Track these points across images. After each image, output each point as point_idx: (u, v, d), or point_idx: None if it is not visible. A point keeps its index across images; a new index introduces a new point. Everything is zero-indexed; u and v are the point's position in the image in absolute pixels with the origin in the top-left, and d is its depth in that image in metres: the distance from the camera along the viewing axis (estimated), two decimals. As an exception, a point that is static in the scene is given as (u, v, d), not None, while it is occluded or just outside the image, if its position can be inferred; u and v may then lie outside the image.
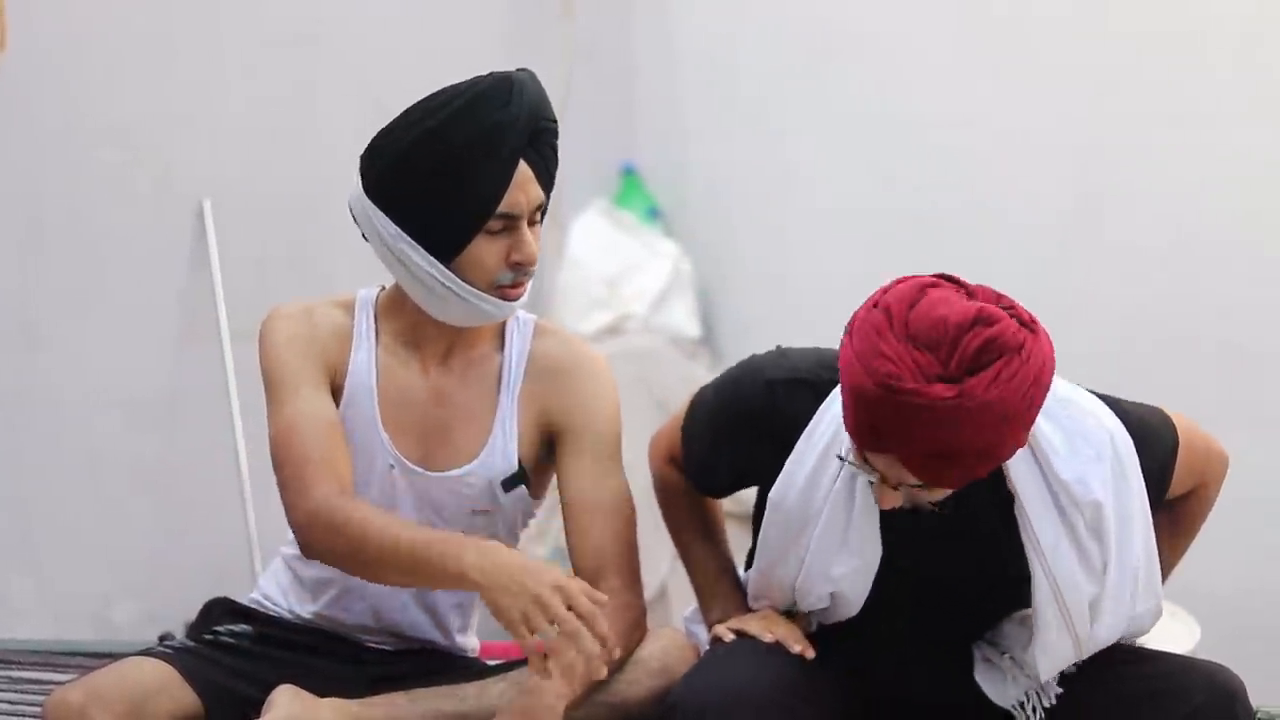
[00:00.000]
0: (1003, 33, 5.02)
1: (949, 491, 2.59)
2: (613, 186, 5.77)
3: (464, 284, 2.72)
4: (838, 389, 2.64)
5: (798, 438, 2.73)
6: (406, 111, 2.74)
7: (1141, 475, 2.71)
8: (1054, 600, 2.69)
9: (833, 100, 5.41)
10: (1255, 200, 4.60)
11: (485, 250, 2.71)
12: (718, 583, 2.95)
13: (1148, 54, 4.75)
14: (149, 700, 2.67)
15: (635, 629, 2.79)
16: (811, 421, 2.73)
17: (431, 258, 2.71)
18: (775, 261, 5.52)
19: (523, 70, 2.76)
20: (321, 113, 5.01)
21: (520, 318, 2.89)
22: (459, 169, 2.67)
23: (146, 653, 2.78)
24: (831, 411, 2.71)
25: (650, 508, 2.98)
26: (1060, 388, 2.67)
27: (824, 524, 2.71)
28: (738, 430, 2.78)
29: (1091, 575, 2.69)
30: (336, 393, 2.80)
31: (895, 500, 2.59)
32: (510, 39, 5.54)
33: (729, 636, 2.80)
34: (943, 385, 2.44)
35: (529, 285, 2.78)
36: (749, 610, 2.89)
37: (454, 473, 2.83)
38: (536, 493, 2.90)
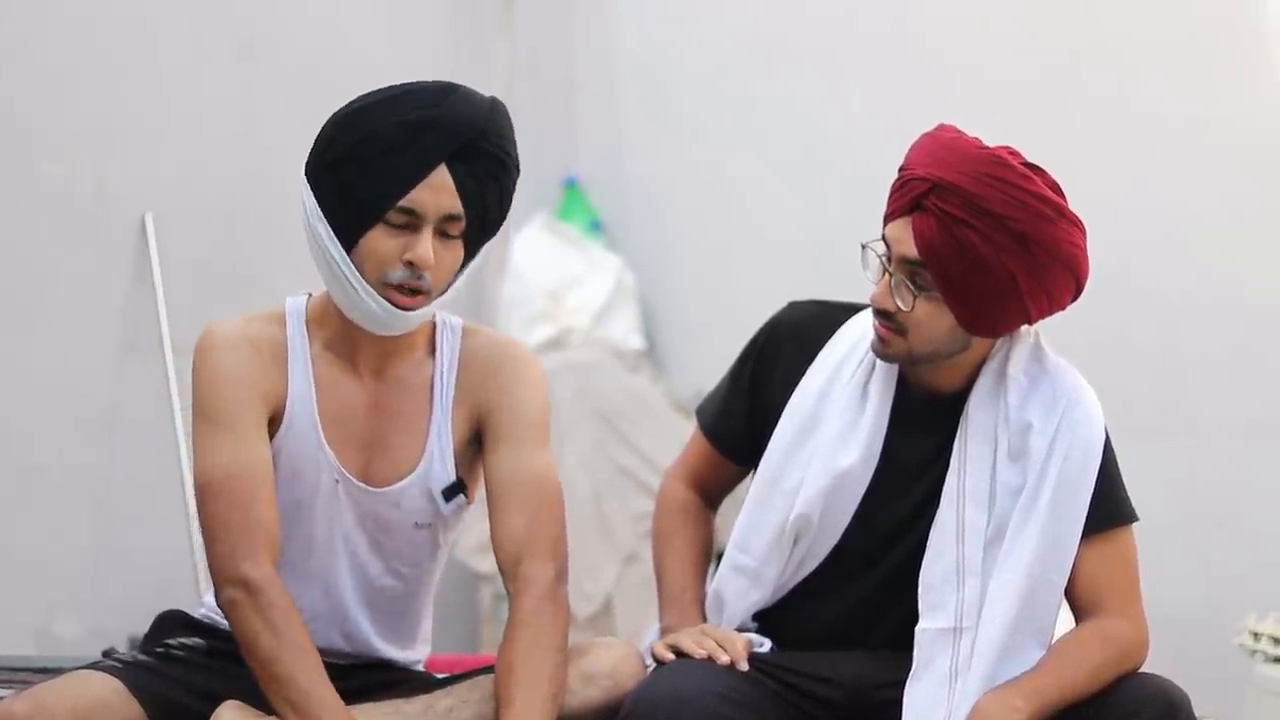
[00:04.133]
0: (940, 47, 5.05)
1: (933, 293, 2.74)
2: (555, 199, 5.77)
3: (356, 274, 2.71)
4: (861, 313, 2.88)
5: (811, 360, 2.91)
6: (357, 98, 2.78)
7: (1092, 449, 2.80)
8: (955, 513, 2.79)
9: (772, 114, 5.43)
10: (1190, 212, 4.63)
11: (382, 242, 2.70)
12: (683, 593, 2.98)
13: (1087, 68, 4.79)
14: (95, 713, 2.65)
15: (561, 624, 2.77)
16: (834, 336, 2.92)
17: (335, 239, 2.72)
18: (717, 273, 5.54)
19: (491, 96, 2.78)
20: (262, 124, 5.00)
21: (450, 323, 2.88)
22: (371, 152, 2.69)
23: (94, 666, 2.76)
24: (852, 327, 2.91)
25: (594, 520, 2.99)
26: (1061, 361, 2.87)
27: (835, 419, 2.85)
28: (762, 350, 2.96)
29: (1001, 494, 2.80)
30: (277, 418, 2.79)
31: (886, 294, 2.77)
32: (450, 52, 5.54)
33: (668, 656, 2.82)
34: (1018, 163, 2.75)
35: (425, 302, 2.74)
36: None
37: (395, 487, 2.82)
38: (471, 497, 2.90)
